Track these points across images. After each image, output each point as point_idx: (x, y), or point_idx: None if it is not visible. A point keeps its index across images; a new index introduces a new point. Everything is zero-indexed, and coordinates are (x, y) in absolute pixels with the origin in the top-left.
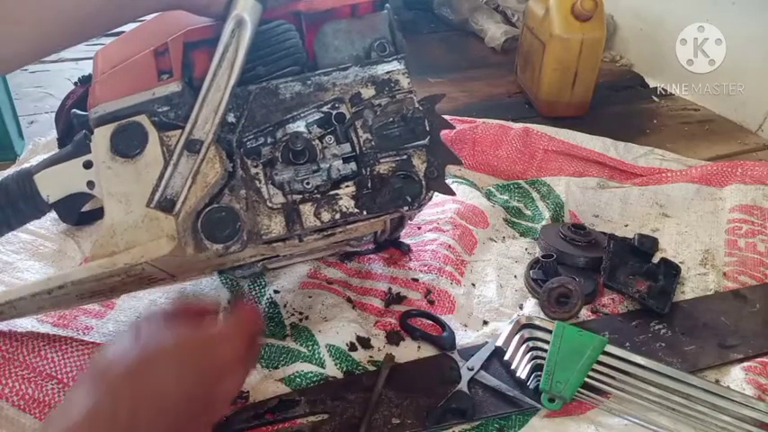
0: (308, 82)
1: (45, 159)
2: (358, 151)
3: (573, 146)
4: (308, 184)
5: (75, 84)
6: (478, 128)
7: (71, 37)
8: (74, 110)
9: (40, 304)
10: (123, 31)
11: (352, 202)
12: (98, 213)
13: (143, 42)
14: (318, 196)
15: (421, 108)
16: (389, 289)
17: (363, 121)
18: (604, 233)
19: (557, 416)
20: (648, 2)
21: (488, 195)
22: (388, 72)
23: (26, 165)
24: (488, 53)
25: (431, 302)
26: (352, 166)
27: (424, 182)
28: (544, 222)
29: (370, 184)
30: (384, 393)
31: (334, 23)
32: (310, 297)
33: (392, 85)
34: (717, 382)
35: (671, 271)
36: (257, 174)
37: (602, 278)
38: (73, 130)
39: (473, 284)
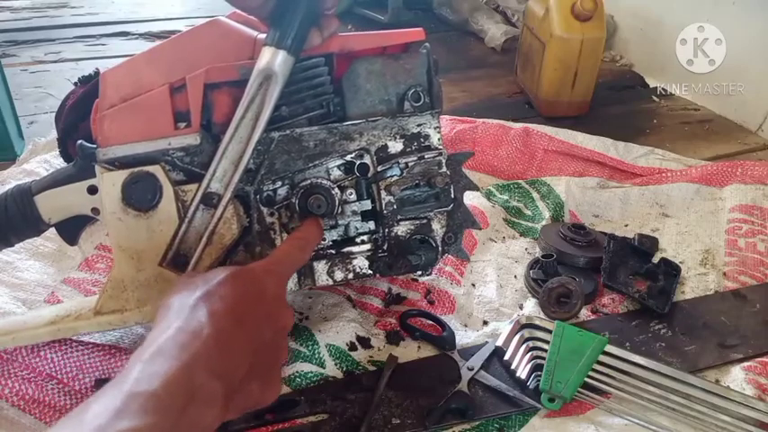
0: (334, 131)
1: (46, 178)
2: (378, 209)
3: (573, 146)
4: (323, 239)
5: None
6: (478, 128)
7: None
8: (80, 141)
9: (38, 340)
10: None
11: (367, 263)
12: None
13: (157, 71)
14: (333, 252)
15: (448, 172)
16: (389, 289)
17: (387, 182)
18: (604, 233)
19: (557, 416)
20: (648, 2)
21: (488, 195)
22: (419, 125)
23: (26, 180)
24: (488, 53)
25: (431, 302)
26: (371, 224)
27: (440, 248)
28: (544, 222)
29: (386, 246)
30: (384, 393)
31: (367, 62)
32: (310, 297)
33: (421, 140)
34: (717, 382)
35: (671, 271)
36: (272, 224)
37: (602, 278)
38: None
39: (473, 284)
